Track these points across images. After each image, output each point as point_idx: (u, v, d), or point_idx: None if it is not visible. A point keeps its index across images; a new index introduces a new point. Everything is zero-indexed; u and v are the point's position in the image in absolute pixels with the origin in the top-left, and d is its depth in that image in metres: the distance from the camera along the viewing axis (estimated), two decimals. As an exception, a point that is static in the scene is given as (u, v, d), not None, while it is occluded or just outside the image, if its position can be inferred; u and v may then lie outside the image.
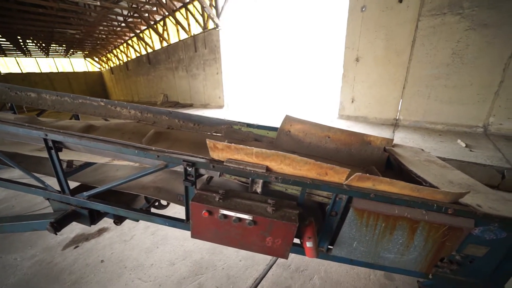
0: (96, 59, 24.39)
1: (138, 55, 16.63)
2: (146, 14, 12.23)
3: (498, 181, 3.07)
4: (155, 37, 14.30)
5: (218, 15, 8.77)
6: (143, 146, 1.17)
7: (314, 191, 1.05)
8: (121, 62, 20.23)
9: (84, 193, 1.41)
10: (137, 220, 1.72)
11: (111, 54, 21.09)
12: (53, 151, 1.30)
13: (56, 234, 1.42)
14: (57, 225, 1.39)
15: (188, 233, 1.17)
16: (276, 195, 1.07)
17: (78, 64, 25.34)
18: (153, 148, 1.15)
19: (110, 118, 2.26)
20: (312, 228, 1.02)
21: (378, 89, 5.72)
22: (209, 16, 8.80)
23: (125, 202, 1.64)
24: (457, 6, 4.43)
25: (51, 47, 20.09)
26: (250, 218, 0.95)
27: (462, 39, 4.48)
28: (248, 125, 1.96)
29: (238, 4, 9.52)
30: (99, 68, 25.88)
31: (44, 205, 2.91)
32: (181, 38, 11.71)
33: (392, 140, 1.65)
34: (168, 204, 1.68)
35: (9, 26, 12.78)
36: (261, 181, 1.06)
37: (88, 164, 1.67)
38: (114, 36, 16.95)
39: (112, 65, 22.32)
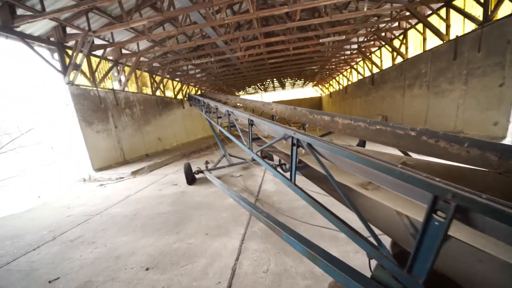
0: (320, 86, 29.66)
1: (361, 77, 16.85)
2: (383, 34, 11.63)
3: None
4: (385, 55, 13.29)
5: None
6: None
7: None
8: (341, 86, 22.31)
9: None
10: None
11: (334, 81, 24.14)
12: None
13: None
14: None
15: None
16: None
17: (308, 91, 33.16)
18: None
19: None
20: None
21: None
22: (504, -1, 5.62)
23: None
24: None
25: (296, 81, 28.29)
26: None
27: None
28: None
29: None
30: (320, 94, 31.27)
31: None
32: (427, 48, 9.34)
33: None
34: None
35: (284, 72, 19.62)
36: None
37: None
38: (341, 64, 18.92)
39: (332, 90, 25.58)
